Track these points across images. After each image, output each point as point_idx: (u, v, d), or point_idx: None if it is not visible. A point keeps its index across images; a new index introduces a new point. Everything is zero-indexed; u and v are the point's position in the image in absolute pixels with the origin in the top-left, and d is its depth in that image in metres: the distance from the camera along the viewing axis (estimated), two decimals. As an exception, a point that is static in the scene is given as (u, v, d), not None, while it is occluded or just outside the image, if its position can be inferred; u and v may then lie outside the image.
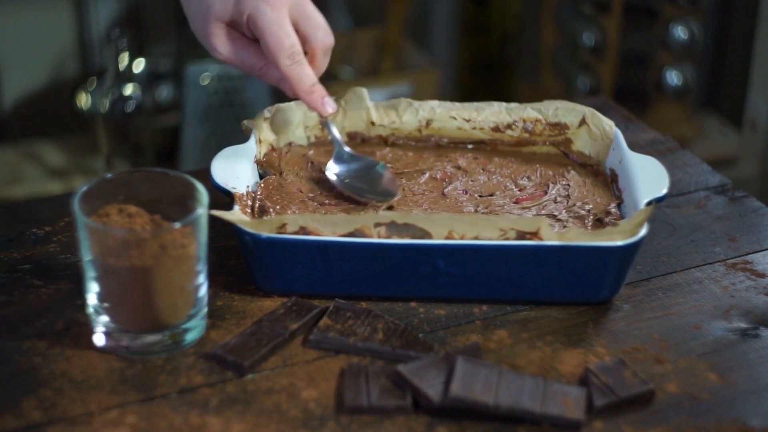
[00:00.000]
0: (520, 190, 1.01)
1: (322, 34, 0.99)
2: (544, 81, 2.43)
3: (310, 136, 1.08)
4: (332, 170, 1.01)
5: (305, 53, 0.99)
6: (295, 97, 0.99)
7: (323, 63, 1.00)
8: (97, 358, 0.85)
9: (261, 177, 1.02)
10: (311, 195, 0.99)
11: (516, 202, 0.99)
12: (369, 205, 0.97)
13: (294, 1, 0.98)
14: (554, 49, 2.39)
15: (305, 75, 0.97)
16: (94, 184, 0.85)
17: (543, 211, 0.98)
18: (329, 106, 0.99)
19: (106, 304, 0.84)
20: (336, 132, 1.03)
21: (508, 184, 1.02)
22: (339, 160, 1.02)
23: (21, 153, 2.15)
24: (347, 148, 1.03)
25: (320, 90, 0.99)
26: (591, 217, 0.97)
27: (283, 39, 0.96)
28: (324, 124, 1.03)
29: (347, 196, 0.99)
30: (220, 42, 0.98)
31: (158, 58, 2.21)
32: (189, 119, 2.12)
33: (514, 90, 2.44)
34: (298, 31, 0.98)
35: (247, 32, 0.98)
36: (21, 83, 2.16)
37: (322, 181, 1.02)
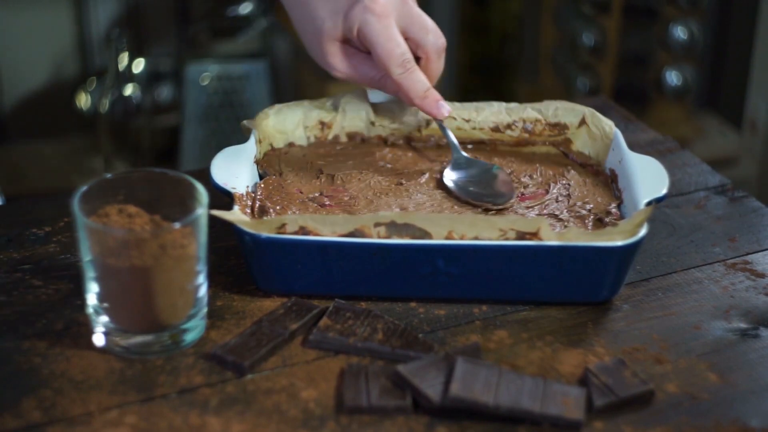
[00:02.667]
0: (524, 188, 1.01)
1: (433, 37, 1.01)
2: (544, 81, 2.43)
3: (310, 136, 1.08)
4: (449, 177, 1.01)
5: (418, 58, 1.01)
6: (411, 105, 1.02)
7: (438, 66, 1.02)
8: (96, 358, 0.85)
9: (261, 177, 1.02)
10: (311, 195, 0.99)
11: (521, 200, 0.99)
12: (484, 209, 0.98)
13: (401, 8, 0.99)
14: (554, 49, 2.39)
15: (417, 82, 0.99)
16: (93, 184, 0.85)
17: (545, 211, 0.98)
18: (444, 109, 1.01)
19: (105, 305, 0.84)
20: (453, 137, 1.04)
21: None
22: (456, 166, 1.02)
23: (21, 153, 2.15)
24: (464, 153, 1.03)
25: (433, 95, 1.00)
26: (592, 216, 0.97)
27: (393, 48, 0.98)
28: (441, 127, 1.04)
29: (464, 201, 0.99)
30: (337, 60, 1.01)
31: (158, 58, 2.21)
32: (189, 119, 2.13)
33: (514, 90, 2.44)
34: (407, 37, 1.00)
35: (359, 46, 1.00)
36: (21, 83, 2.16)
37: (322, 182, 1.02)
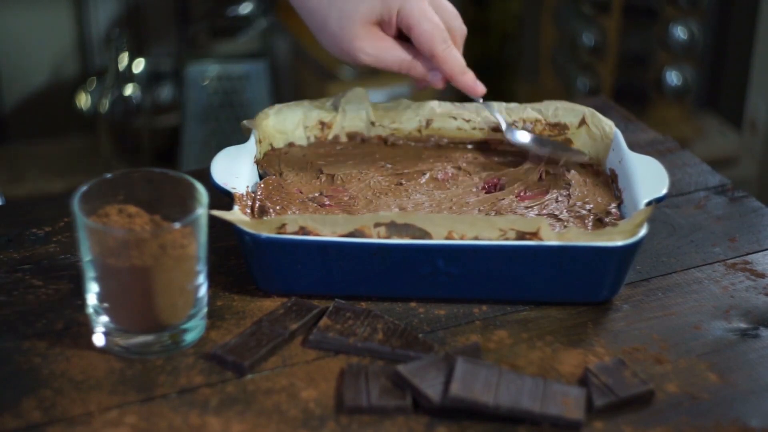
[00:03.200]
0: (524, 189, 1.01)
1: (459, 22, 1.04)
2: (544, 81, 2.43)
3: (310, 136, 1.08)
4: (523, 137, 1.05)
5: None
6: (443, 87, 1.05)
7: (461, 50, 1.05)
8: (96, 358, 0.85)
9: (261, 177, 1.02)
10: (311, 195, 0.99)
11: (520, 200, 0.99)
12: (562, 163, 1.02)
13: None
14: (554, 49, 2.39)
15: (458, 58, 1.03)
16: (93, 184, 0.85)
17: (544, 211, 0.98)
18: (480, 86, 1.05)
19: (105, 305, 0.84)
20: (498, 114, 1.07)
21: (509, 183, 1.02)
22: (512, 134, 1.05)
23: (21, 153, 2.15)
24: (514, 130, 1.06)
25: (470, 72, 1.04)
26: (592, 216, 0.97)
27: (435, 26, 1.01)
28: (485, 106, 1.07)
29: (549, 158, 1.03)
30: (368, 43, 1.01)
31: (158, 58, 2.21)
32: (189, 119, 2.13)
33: (514, 90, 2.44)
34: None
35: (390, 30, 1.02)
36: (21, 83, 2.16)
37: (322, 182, 1.02)
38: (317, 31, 1.04)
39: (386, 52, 1.02)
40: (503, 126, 1.06)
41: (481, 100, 1.06)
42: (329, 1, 1.02)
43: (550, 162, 1.03)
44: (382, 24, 1.02)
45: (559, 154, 1.03)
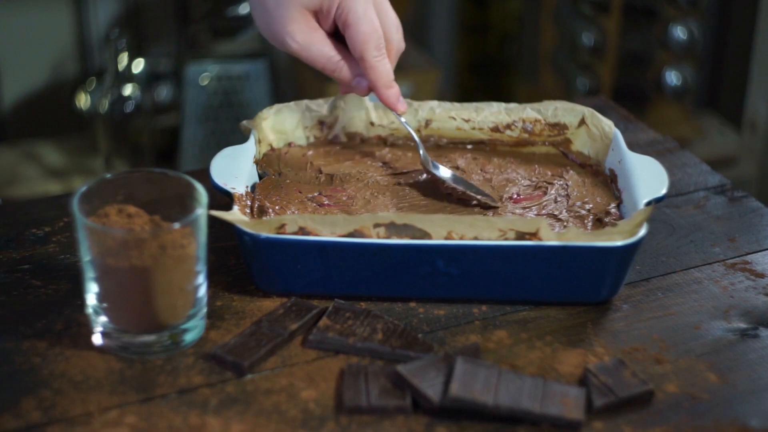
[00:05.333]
0: (522, 188, 1.01)
1: (398, 36, 1.01)
2: (543, 81, 2.43)
3: (309, 137, 1.08)
4: (439, 171, 1.01)
5: None
6: (365, 95, 1.01)
7: (394, 65, 1.01)
8: (96, 359, 0.85)
9: (260, 177, 1.02)
10: (310, 195, 1.00)
11: (515, 202, 0.99)
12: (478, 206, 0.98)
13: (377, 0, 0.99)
14: (554, 49, 2.39)
15: (387, 70, 0.98)
16: (93, 184, 0.85)
17: (543, 211, 0.98)
18: (402, 104, 1.01)
19: (105, 305, 0.84)
20: (414, 132, 1.03)
21: (507, 184, 1.02)
22: (428, 161, 1.02)
23: (20, 153, 2.15)
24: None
25: (396, 87, 1.00)
26: (591, 216, 0.97)
27: (373, 32, 0.97)
28: (399, 121, 1.03)
29: (459, 196, 0.99)
30: (299, 29, 0.97)
31: (158, 58, 2.21)
32: (188, 119, 2.13)
33: (514, 90, 2.44)
34: None
35: (326, 24, 0.98)
36: (21, 83, 2.16)
37: (321, 182, 1.02)
38: (253, 6, 0.99)
39: (314, 44, 0.97)
40: (421, 151, 1.02)
41: (402, 119, 1.02)
42: None
43: (460, 200, 0.99)
44: (320, 14, 0.97)
45: (469, 194, 0.99)
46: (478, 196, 0.98)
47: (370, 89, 1.00)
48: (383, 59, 0.98)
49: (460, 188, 0.99)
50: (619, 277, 0.91)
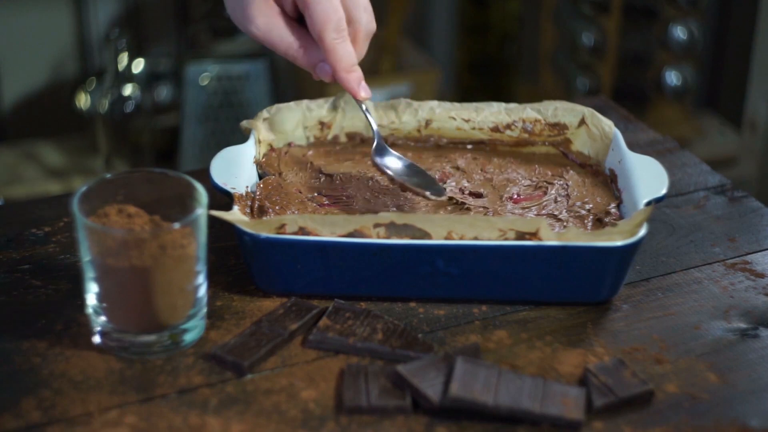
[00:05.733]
0: (520, 191, 1.01)
1: (367, 17, 0.96)
2: (543, 81, 2.43)
3: (309, 137, 1.08)
4: (384, 163, 0.98)
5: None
6: (331, 81, 0.96)
7: (363, 48, 0.97)
8: (96, 359, 0.85)
9: (260, 177, 1.02)
10: (310, 195, 0.99)
11: (516, 202, 0.99)
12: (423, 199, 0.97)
13: None
14: (554, 49, 2.39)
15: (348, 53, 0.94)
16: (93, 184, 0.85)
17: (543, 211, 0.98)
18: (364, 90, 0.96)
19: (105, 305, 0.84)
20: (373, 121, 1.00)
21: (507, 184, 1.02)
22: (381, 151, 0.99)
23: (20, 153, 2.15)
24: (384, 143, 1.01)
25: (358, 72, 0.95)
26: (591, 216, 0.97)
27: (332, 12, 0.92)
28: (361, 110, 1.00)
29: (405, 189, 0.97)
30: (260, 14, 0.94)
31: (158, 58, 2.21)
32: (188, 119, 2.13)
33: (514, 90, 2.44)
34: (344, 10, 0.95)
35: (288, 8, 0.95)
36: (21, 83, 2.16)
37: (321, 182, 1.02)
38: None
39: (275, 30, 0.94)
40: (375, 140, 1.00)
41: (364, 106, 1.00)
42: None
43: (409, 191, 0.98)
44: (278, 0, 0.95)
45: (419, 190, 0.97)
46: (420, 190, 0.96)
47: (332, 73, 0.96)
48: (343, 42, 0.94)
49: (402, 182, 0.97)
50: (619, 277, 0.91)
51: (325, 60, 0.95)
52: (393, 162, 0.99)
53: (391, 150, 1.00)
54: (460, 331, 0.88)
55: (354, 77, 0.95)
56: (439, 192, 0.97)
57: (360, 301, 0.91)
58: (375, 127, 1.01)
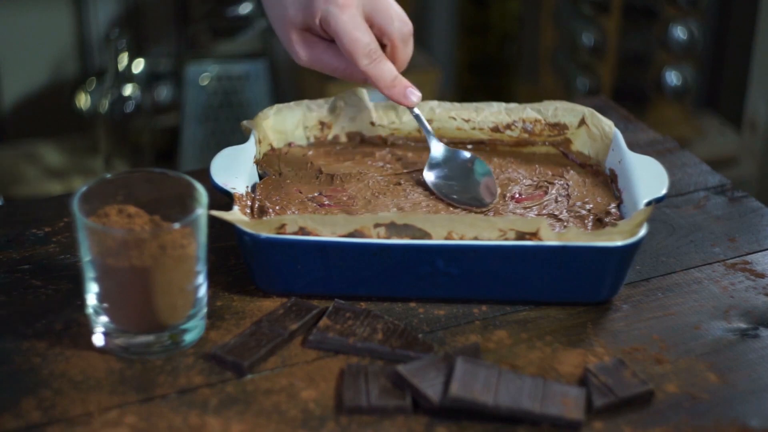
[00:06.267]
0: (520, 191, 1.01)
1: (398, 23, 0.99)
2: (543, 81, 2.43)
3: (309, 137, 1.08)
4: (429, 176, 1.01)
5: (384, 46, 1.00)
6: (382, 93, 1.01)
7: (404, 52, 1.00)
8: (96, 359, 0.85)
9: (260, 177, 1.02)
10: (310, 195, 0.99)
11: (517, 201, 0.99)
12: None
13: None
14: (554, 49, 2.39)
15: (385, 71, 0.98)
16: (93, 184, 0.85)
17: (544, 211, 0.98)
18: (413, 96, 1.01)
19: (105, 305, 0.84)
20: (428, 126, 1.03)
21: (508, 183, 1.02)
22: (435, 163, 1.02)
23: (20, 153, 2.15)
24: (442, 144, 1.03)
25: (401, 83, 0.99)
26: (591, 217, 0.97)
27: (358, 39, 0.96)
28: (414, 116, 1.03)
29: (447, 203, 0.99)
30: (301, 48, 0.99)
31: (158, 58, 2.21)
32: (188, 119, 2.13)
33: (514, 90, 2.44)
34: (372, 25, 0.98)
35: (323, 35, 0.99)
36: (21, 83, 2.16)
37: (321, 182, 1.02)
38: (272, 24, 1.02)
39: (318, 59, 0.99)
40: (431, 142, 1.03)
41: (416, 110, 1.03)
42: (271, 3, 1.00)
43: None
44: (311, 29, 0.99)
45: (453, 203, 0.99)
46: (461, 206, 0.98)
47: None
48: (377, 63, 0.97)
49: (443, 197, 0.99)
50: (619, 277, 0.91)
51: None
52: (437, 175, 1.01)
53: (444, 152, 1.02)
54: (460, 331, 0.88)
55: (397, 91, 1.00)
56: (481, 204, 0.99)
57: (360, 301, 0.91)
58: (429, 128, 1.03)
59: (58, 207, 1.03)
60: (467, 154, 1.03)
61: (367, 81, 1.00)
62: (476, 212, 0.98)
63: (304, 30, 0.99)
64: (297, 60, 1.00)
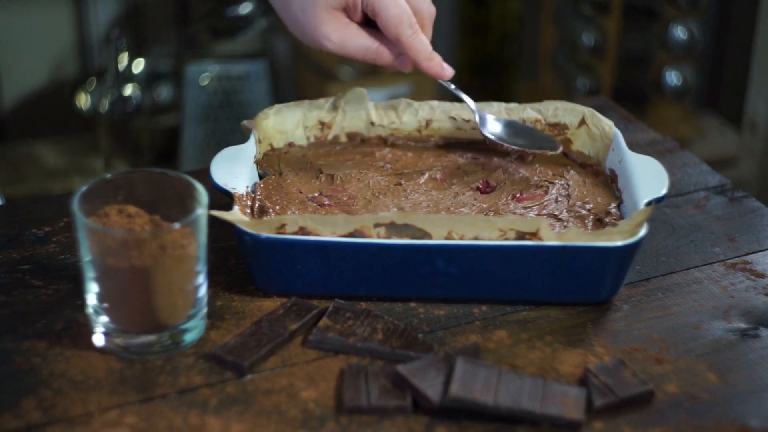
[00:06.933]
0: (521, 191, 1.01)
1: (427, 4, 1.02)
2: (543, 81, 2.43)
3: (309, 137, 1.08)
4: (493, 132, 1.04)
5: None
6: (409, 70, 1.02)
7: (430, 32, 1.02)
8: (96, 359, 0.85)
9: (260, 177, 1.02)
10: (310, 195, 0.99)
11: (518, 201, 0.99)
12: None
13: None
14: (554, 49, 2.39)
15: (424, 44, 1.00)
16: (93, 184, 0.85)
17: (544, 211, 0.98)
18: (448, 70, 1.02)
19: (105, 305, 0.84)
20: (465, 96, 1.05)
21: (508, 183, 1.02)
22: (483, 122, 1.05)
23: (21, 153, 2.15)
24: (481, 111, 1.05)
25: (437, 56, 1.01)
26: (591, 216, 0.97)
27: (402, 11, 0.98)
28: (451, 90, 1.05)
29: (519, 151, 1.04)
30: (332, 29, 0.99)
31: (158, 58, 2.21)
32: (188, 119, 2.13)
33: (514, 90, 2.44)
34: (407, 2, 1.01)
35: (355, 16, 1.00)
36: (21, 83, 2.16)
37: (321, 182, 1.02)
38: (280, 11, 1.01)
39: (350, 39, 0.99)
40: (475, 115, 1.05)
41: (452, 86, 1.04)
42: None
43: (519, 158, 1.04)
44: (347, 9, 0.99)
45: (528, 150, 1.03)
46: (538, 150, 1.03)
47: (413, 65, 1.02)
48: (418, 35, 0.99)
49: (516, 147, 1.03)
50: (619, 277, 0.91)
51: (401, 54, 1.00)
52: (497, 128, 1.05)
53: (489, 118, 1.05)
54: (460, 331, 0.88)
55: (435, 63, 1.01)
56: (554, 146, 1.03)
57: (360, 301, 0.91)
58: (470, 104, 1.05)
59: (58, 207, 1.03)
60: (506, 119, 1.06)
61: (395, 62, 1.01)
62: (544, 154, 1.03)
63: (337, 10, 0.99)
64: (325, 44, 0.99)
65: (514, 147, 1.03)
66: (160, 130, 2.17)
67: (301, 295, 0.91)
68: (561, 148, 1.03)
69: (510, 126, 1.05)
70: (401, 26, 0.98)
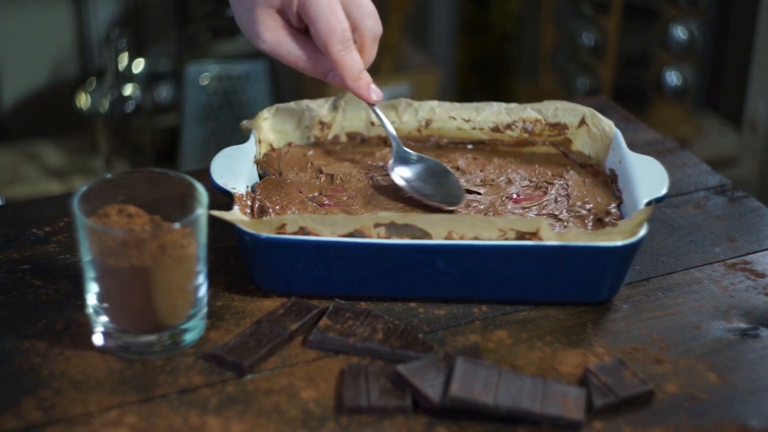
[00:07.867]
0: (520, 191, 1.01)
1: (372, 22, 0.99)
2: (543, 81, 2.43)
3: (309, 137, 1.08)
4: (398, 173, 1.00)
5: (354, 41, 0.98)
6: (344, 88, 0.99)
7: (372, 52, 1.00)
8: (96, 359, 0.85)
9: (261, 177, 1.02)
10: (310, 195, 0.99)
11: (516, 202, 0.99)
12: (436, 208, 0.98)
13: None
14: (554, 49, 2.39)
15: (354, 62, 0.97)
16: (93, 184, 0.85)
17: (544, 211, 0.98)
18: (374, 93, 1.00)
19: (105, 305, 0.84)
20: (390, 127, 1.03)
21: (508, 183, 1.02)
22: (399, 159, 1.01)
23: (21, 153, 2.15)
24: (403, 147, 1.02)
25: (367, 77, 0.99)
26: (591, 216, 0.97)
27: (336, 24, 0.95)
28: (375, 114, 1.03)
29: (415, 199, 0.98)
30: (267, 29, 0.97)
31: (158, 58, 2.21)
32: (188, 119, 2.13)
33: (514, 90, 2.44)
34: (347, 17, 0.97)
35: (294, 20, 0.98)
36: (21, 83, 2.16)
37: (321, 182, 1.02)
38: (233, 7, 1.00)
39: (283, 44, 0.97)
40: (394, 144, 1.02)
41: (379, 112, 1.02)
42: None
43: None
44: (284, 12, 0.97)
45: (426, 201, 0.98)
46: (436, 203, 0.98)
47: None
48: (349, 52, 0.96)
49: (415, 195, 0.99)
50: (619, 277, 0.91)
51: (333, 69, 0.98)
52: (408, 172, 1.00)
53: (410, 153, 1.01)
54: (460, 331, 0.88)
55: (363, 84, 0.99)
56: (456, 200, 0.98)
57: (360, 301, 0.91)
58: (392, 131, 1.02)
59: (58, 207, 1.03)
60: (426, 157, 1.02)
61: (327, 75, 0.99)
62: (448, 211, 0.97)
63: (275, 11, 0.97)
64: (258, 44, 0.98)
65: (413, 194, 0.99)
66: (160, 130, 2.17)
67: (301, 295, 0.91)
68: (462, 204, 0.98)
69: (429, 170, 1.01)
70: (331, 39, 0.95)
